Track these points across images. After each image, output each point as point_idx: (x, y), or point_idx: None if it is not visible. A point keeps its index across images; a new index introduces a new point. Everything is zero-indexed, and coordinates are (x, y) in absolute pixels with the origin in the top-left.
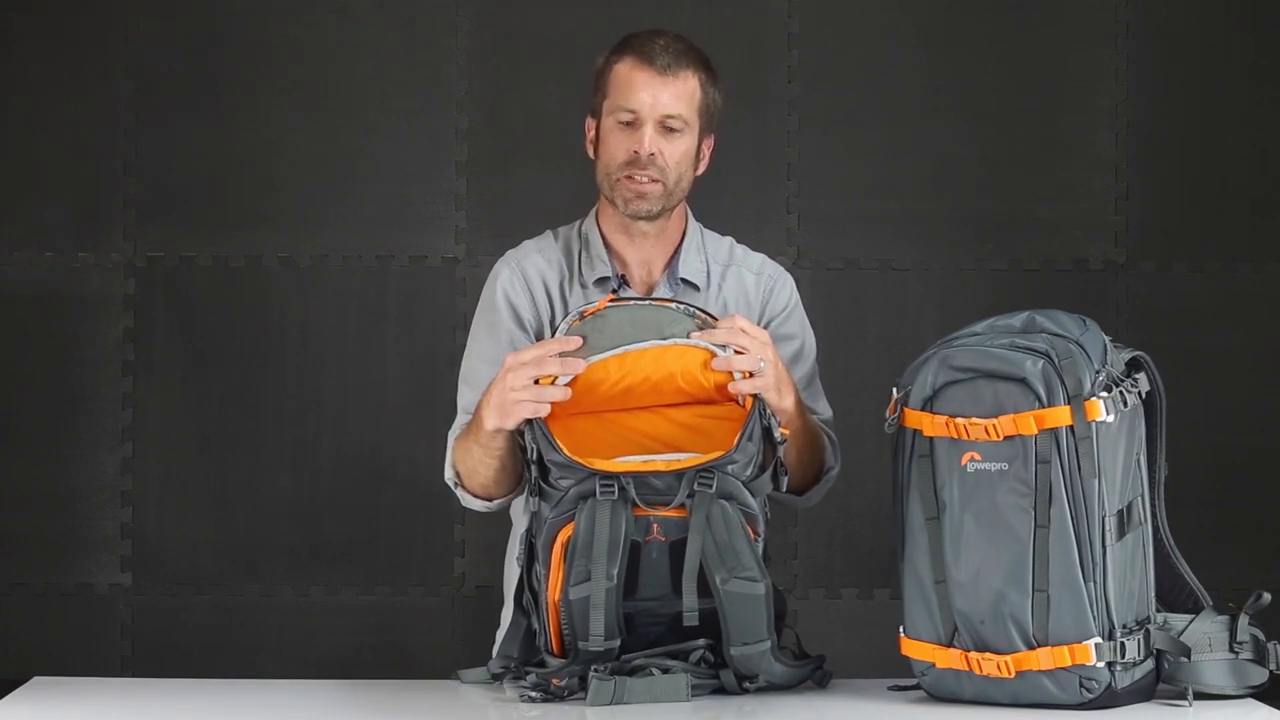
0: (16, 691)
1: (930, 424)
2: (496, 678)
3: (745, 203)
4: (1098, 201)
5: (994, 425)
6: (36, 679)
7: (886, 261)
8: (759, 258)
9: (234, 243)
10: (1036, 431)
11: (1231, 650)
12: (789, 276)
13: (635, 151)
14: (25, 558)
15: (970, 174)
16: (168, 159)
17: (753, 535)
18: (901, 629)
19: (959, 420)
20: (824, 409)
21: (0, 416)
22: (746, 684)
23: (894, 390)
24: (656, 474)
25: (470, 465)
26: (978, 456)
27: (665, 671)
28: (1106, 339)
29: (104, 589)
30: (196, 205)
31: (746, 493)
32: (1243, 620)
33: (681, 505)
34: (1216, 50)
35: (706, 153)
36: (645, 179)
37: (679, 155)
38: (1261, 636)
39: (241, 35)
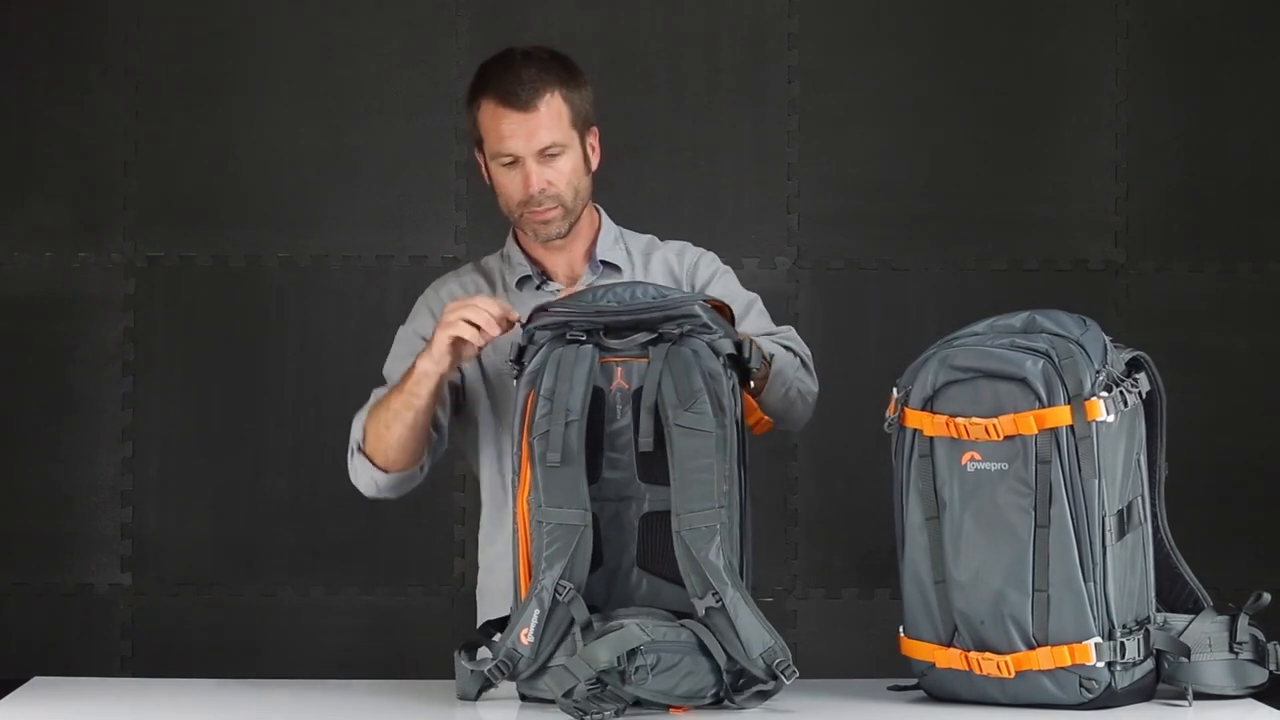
0: (16, 691)
1: (930, 424)
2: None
3: (745, 203)
4: (1098, 201)
5: (994, 425)
6: (36, 679)
7: (886, 261)
8: (680, 243)
9: (234, 243)
10: (1037, 431)
11: (1231, 650)
12: (712, 254)
13: (527, 191)
14: (25, 558)
15: (970, 174)
16: (168, 159)
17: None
18: (901, 629)
19: (959, 420)
20: (785, 329)
21: (0, 416)
22: (713, 599)
23: (894, 390)
24: (623, 327)
25: (383, 420)
26: (978, 456)
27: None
28: (1107, 339)
29: (104, 589)
30: (196, 205)
31: (709, 351)
32: (1243, 620)
33: (644, 353)
34: (1216, 50)
35: (595, 146)
36: (544, 209)
37: (567, 174)
38: (1261, 636)
39: (241, 35)
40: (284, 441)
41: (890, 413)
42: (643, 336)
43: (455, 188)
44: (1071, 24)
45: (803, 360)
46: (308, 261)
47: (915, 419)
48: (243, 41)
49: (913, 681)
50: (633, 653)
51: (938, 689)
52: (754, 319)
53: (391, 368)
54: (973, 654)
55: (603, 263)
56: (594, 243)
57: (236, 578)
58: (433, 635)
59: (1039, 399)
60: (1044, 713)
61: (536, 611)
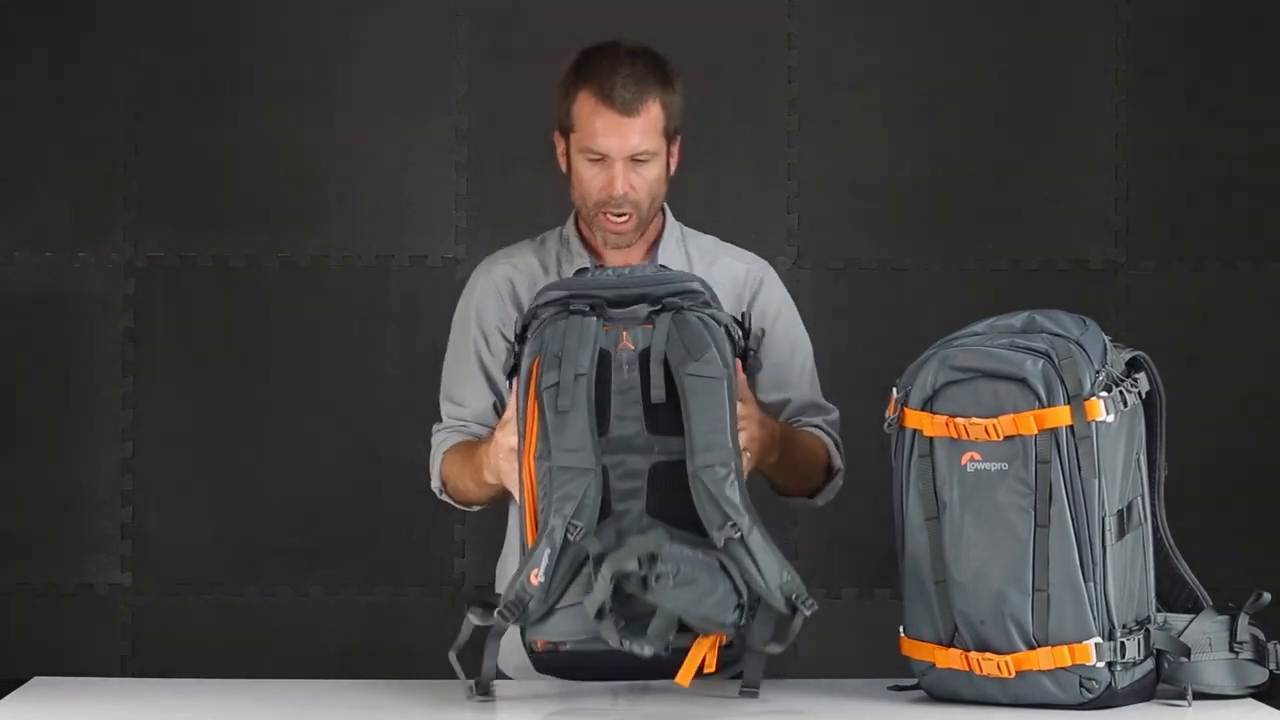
0: (16, 691)
1: (930, 424)
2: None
3: (745, 203)
4: (1098, 201)
5: (994, 425)
6: (36, 679)
7: (886, 261)
8: (742, 251)
9: (234, 243)
10: (1036, 431)
11: (1231, 650)
12: (773, 274)
13: (609, 192)
14: (25, 558)
15: (970, 174)
16: (168, 159)
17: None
18: (901, 629)
19: (959, 420)
20: (827, 403)
21: (0, 416)
22: (731, 529)
23: (894, 390)
24: (626, 300)
25: (461, 488)
26: (978, 456)
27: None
28: (1106, 339)
29: (104, 589)
30: (196, 205)
31: (712, 320)
32: (1243, 620)
33: (649, 321)
34: (1216, 50)
35: (675, 154)
36: (621, 217)
37: (651, 181)
38: (1261, 636)
39: (241, 35)
40: (284, 441)
41: (890, 413)
42: (645, 308)
43: (455, 188)
44: (1071, 24)
45: (833, 467)
46: (308, 261)
47: (915, 419)
48: (243, 42)
49: (913, 681)
50: (653, 560)
51: (938, 689)
52: (805, 378)
53: (447, 383)
54: (973, 654)
55: (661, 267)
56: (655, 243)
57: (236, 578)
58: (433, 635)
59: (1039, 399)
60: (1044, 713)
61: (547, 551)
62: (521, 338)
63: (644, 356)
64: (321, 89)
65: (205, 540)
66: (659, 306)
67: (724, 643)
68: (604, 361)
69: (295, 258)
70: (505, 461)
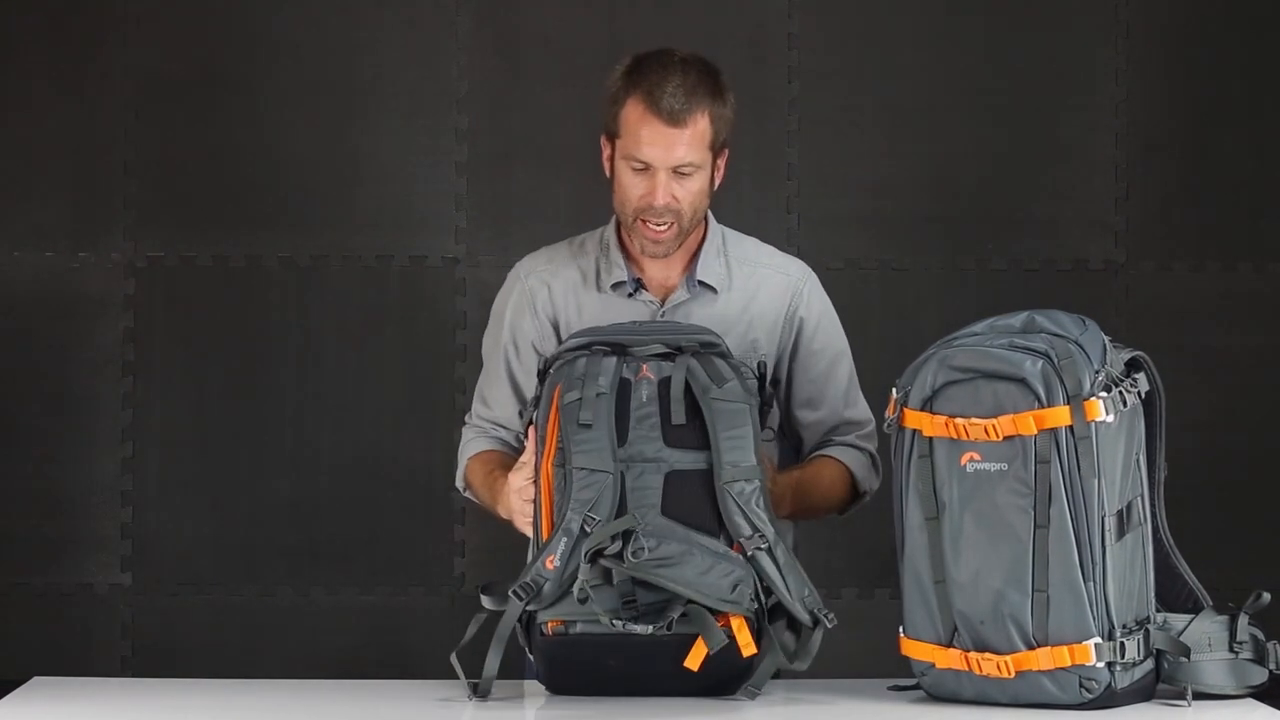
0: (16, 691)
1: (930, 424)
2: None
3: (745, 203)
4: (1098, 201)
5: (993, 425)
6: (36, 679)
7: (886, 261)
8: (784, 259)
9: (234, 243)
10: (1036, 431)
11: (1231, 650)
12: (813, 276)
13: (649, 201)
14: (25, 558)
15: (970, 174)
16: (168, 159)
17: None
18: (901, 629)
19: (959, 420)
20: (861, 413)
21: (0, 416)
22: (759, 540)
23: (893, 390)
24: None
25: (480, 500)
26: (977, 456)
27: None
28: (1106, 339)
29: (104, 589)
30: (196, 205)
31: (733, 363)
32: (1243, 620)
33: (669, 358)
34: (1216, 50)
35: (721, 167)
36: (661, 226)
37: (694, 194)
38: (1261, 636)
39: (241, 35)
40: (284, 441)
41: (890, 413)
42: (663, 348)
43: (455, 188)
44: (1071, 24)
45: (861, 488)
46: (308, 261)
47: (914, 419)
48: (243, 41)
49: (913, 681)
50: (628, 535)
51: (938, 689)
52: (841, 394)
53: (482, 382)
54: (973, 654)
55: (700, 283)
56: (695, 253)
57: (236, 578)
58: (433, 635)
59: (1038, 399)
60: (1044, 713)
61: (564, 539)
62: (543, 377)
63: (664, 384)
64: (321, 89)
65: (205, 540)
66: (678, 348)
67: (726, 626)
68: (624, 390)
69: (295, 258)
70: (516, 501)
